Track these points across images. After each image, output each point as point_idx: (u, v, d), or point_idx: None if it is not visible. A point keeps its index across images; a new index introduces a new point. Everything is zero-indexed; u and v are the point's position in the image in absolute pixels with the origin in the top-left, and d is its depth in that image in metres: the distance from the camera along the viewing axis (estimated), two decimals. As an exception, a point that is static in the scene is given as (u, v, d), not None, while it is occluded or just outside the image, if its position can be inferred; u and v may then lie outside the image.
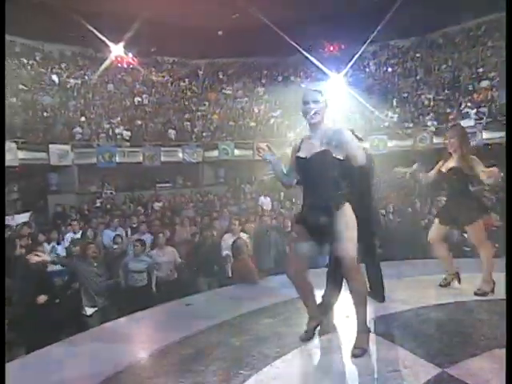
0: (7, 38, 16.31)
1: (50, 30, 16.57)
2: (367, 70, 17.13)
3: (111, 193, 12.42)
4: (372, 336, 2.39)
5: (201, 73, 18.98)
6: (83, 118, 13.63)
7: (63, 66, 16.92)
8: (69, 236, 6.49)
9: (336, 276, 2.84)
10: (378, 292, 3.11)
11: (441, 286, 3.36)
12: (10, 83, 14.31)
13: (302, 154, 2.31)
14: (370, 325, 2.46)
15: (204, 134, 15.06)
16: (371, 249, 3.11)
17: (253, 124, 15.25)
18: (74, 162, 12.46)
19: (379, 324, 2.67)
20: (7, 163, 11.17)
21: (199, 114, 16.03)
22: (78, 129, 13.00)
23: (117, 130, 13.66)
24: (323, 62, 16.21)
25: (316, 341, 2.50)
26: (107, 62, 16.07)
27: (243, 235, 5.36)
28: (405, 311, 2.88)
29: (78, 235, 6.38)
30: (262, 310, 3.11)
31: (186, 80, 18.32)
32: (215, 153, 14.46)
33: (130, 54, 17.20)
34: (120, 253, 5.73)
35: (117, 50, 16.49)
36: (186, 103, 16.58)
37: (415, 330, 2.58)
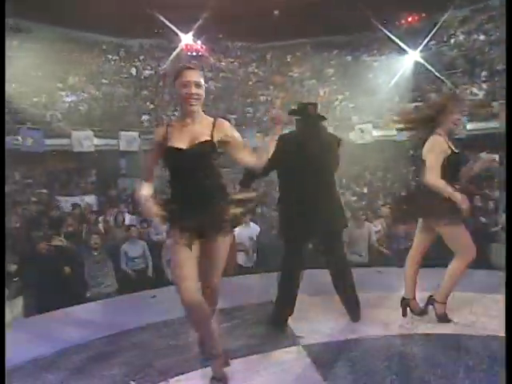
0: (95, 37, 18.23)
1: (131, 26, 17.93)
2: (452, 41, 14.83)
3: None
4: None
5: (268, 56, 18.65)
6: (152, 106, 14.50)
7: (141, 58, 18.23)
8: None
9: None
10: (350, 308, 2.57)
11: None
12: (95, 78, 15.99)
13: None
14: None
15: (265, 118, 14.82)
16: (334, 255, 2.57)
17: (316, 107, 14.48)
18: (140, 147, 13.38)
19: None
20: (85, 149, 12.60)
21: (262, 98, 15.82)
22: (146, 116, 13.89)
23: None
24: (400, 36, 14.57)
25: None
26: (177, 51, 16.77)
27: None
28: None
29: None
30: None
31: (253, 64, 18.21)
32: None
33: (199, 42, 17.69)
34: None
35: (186, 39, 17.11)
36: (250, 88, 16.49)
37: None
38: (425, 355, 2.08)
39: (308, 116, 2.62)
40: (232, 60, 18.38)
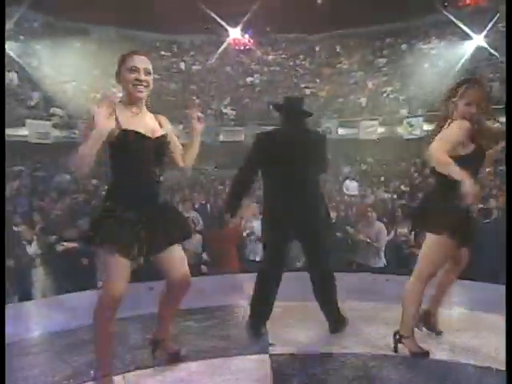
0: (149, 35, 19.07)
1: (183, 23, 18.48)
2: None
3: (215, 168, 13.32)
4: None
5: (317, 48, 18.11)
6: (197, 100, 14.84)
7: (191, 53, 18.71)
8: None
9: None
10: (329, 319, 2.35)
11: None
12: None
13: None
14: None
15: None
16: (314, 259, 2.36)
17: (363, 100, 13.80)
18: (185, 140, 13.80)
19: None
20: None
21: (307, 91, 15.42)
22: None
23: (224, 110, 14.41)
24: (463, 19, 13.31)
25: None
26: (224, 45, 16.94)
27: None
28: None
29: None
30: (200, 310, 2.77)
31: (301, 56, 17.81)
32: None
33: (247, 36, 17.69)
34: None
35: (234, 34, 17.21)
36: (296, 81, 16.17)
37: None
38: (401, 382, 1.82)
39: (290, 112, 2.40)
40: (280, 53, 18.15)
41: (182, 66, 17.39)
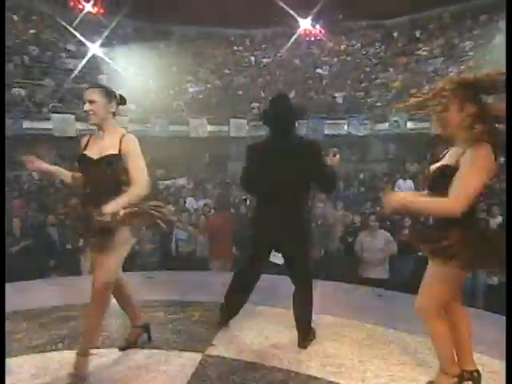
0: (227, 31, 19.74)
1: (255, 16, 18.74)
2: None
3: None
4: None
5: (395, 34, 16.79)
6: (263, 94, 15.01)
7: (263, 46, 18.91)
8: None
9: None
10: (299, 332, 2.32)
11: None
12: (220, 69, 17.45)
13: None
14: None
15: (378, 104, 13.60)
16: (294, 271, 2.34)
17: (440, 90, 12.45)
18: (248, 133, 14.12)
19: None
20: (200, 135, 14.07)
21: (378, 82, 14.48)
22: (255, 103, 14.49)
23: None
24: None
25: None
26: (295, 37, 16.75)
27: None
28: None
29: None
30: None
31: (377, 44, 16.72)
32: (385, 125, 12.89)
33: (318, 26, 17.20)
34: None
35: (305, 24, 16.89)
36: (367, 70, 15.27)
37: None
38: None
39: (276, 125, 2.33)
40: (353, 42, 17.28)
41: (253, 59, 17.71)
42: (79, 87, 12.82)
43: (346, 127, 13.35)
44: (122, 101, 2.15)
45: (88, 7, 15.46)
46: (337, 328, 2.54)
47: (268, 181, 2.26)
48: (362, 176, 10.86)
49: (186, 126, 13.87)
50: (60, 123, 12.08)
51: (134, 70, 15.68)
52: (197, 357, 2.17)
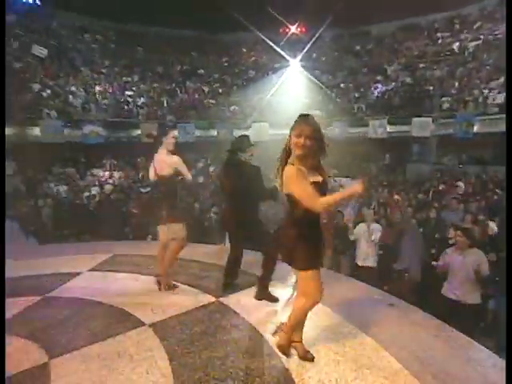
0: (431, 17, 18.10)
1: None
2: None
3: (460, 166, 11.89)
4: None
5: None
6: (456, 84, 13.30)
7: (475, 26, 16.21)
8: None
9: None
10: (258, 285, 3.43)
11: None
12: (412, 63, 16.37)
13: None
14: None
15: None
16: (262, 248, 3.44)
17: None
18: (433, 132, 12.97)
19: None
20: (379, 136, 14.03)
21: None
22: (446, 98, 13.05)
23: (489, 95, 12.16)
24: None
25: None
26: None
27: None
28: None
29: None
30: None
31: None
32: None
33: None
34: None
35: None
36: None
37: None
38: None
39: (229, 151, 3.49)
40: None
41: (456, 46, 15.64)
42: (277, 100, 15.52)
43: None
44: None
45: (293, 29, 18.03)
46: None
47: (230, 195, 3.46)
48: None
49: (366, 127, 14.18)
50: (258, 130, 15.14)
51: (327, 77, 17.19)
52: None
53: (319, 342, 2.79)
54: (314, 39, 17.31)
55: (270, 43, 17.16)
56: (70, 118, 12.59)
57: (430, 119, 13.01)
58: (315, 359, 2.56)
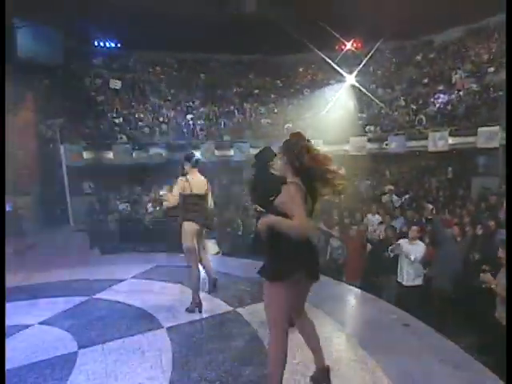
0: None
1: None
2: None
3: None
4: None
5: None
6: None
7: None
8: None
9: None
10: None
11: None
12: (481, 68, 15.16)
13: None
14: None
15: None
16: None
17: None
18: (502, 142, 11.83)
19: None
20: (440, 149, 13.17)
21: None
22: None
23: None
24: None
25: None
26: None
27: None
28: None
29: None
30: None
31: None
32: None
33: None
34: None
35: None
36: None
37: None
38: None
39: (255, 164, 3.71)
40: None
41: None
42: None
43: None
44: None
45: (348, 45, 17.99)
46: None
47: None
48: None
49: (425, 140, 13.44)
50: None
51: (384, 91, 16.76)
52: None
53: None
54: (369, 54, 17.09)
55: (328, 60, 17.33)
56: (138, 141, 14.00)
57: (498, 127, 11.91)
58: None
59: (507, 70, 1.30)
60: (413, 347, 3.05)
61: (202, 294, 4.02)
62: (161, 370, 2.74)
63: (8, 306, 4.16)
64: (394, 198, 10.50)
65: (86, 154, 12.74)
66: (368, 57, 17.05)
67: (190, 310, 3.78)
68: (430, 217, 7.61)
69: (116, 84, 15.78)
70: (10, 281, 4.39)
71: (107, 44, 17.55)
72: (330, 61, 17.16)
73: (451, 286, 4.72)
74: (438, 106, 14.38)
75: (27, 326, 3.57)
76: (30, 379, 2.66)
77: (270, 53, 19.35)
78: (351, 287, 4.78)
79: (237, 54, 19.51)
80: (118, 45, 17.62)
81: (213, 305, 3.99)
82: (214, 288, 4.07)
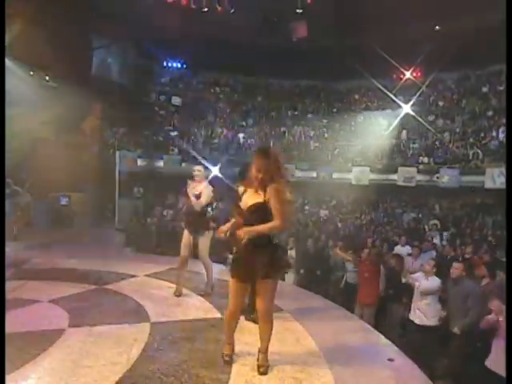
0: None
1: None
2: None
3: None
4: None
5: None
6: None
7: None
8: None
9: None
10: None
11: None
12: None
13: None
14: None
15: None
16: None
17: None
18: None
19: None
20: (497, 186, 12.12)
21: None
22: None
23: None
24: None
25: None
26: None
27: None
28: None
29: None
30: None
31: None
32: None
33: None
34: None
35: None
36: None
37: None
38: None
39: None
40: None
41: None
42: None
43: None
44: None
45: (408, 74, 17.51)
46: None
47: None
48: None
49: (482, 176, 12.48)
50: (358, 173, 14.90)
51: (443, 122, 15.98)
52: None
53: None
54: (426, 83, 16.51)
55: (384, 90, 17.04)
56: (188, 154, 14.84)
57: None
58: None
59: (507, 70, 1.30)
60: None
61: (197, 297, 4.21)
62: (127, 357, 2.91)
63: (32, 283, 4.75)
64: (434, 233, 9.88)
65: (139, 161, 13.81)
66: (425, 85, 16.48)
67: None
68: (467, 256, 7.05)
69: (177, 101, 17.00)
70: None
71: (175, 64, 19.03)
72: (384, 90, 16.86)
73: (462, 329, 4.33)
74: (500, 140, 13.33)
75: (36, 301, 4.01)
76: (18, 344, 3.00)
77: (328, 79, 19.51)
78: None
79: (296, 80, 19.96)
80: (185, 66, 19.02)
81: (203, 308, 4.12)
82: (210, 291, 4.37)
